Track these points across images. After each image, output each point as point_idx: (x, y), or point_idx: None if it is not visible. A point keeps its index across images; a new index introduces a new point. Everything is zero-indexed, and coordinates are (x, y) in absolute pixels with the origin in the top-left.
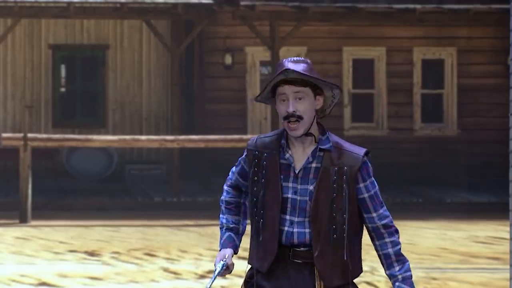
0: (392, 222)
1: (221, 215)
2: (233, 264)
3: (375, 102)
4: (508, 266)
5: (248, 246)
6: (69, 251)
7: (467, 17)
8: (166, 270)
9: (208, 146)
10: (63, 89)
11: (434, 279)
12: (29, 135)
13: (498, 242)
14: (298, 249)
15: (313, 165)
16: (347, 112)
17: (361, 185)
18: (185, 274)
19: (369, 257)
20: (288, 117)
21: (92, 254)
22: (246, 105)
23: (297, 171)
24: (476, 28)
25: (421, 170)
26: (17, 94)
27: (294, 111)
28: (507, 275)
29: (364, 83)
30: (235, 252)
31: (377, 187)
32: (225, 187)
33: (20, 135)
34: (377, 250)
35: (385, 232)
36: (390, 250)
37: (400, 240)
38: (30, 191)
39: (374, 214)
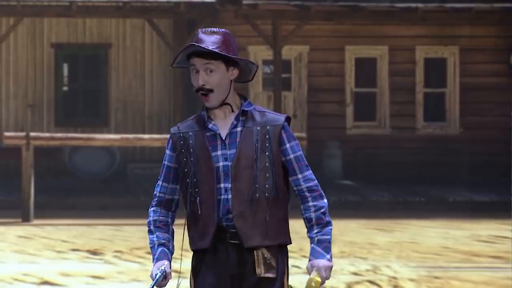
0: (317, 186)
1: (150, 235)
2: (170, 273)
3: (377, 101)
4: (510, 265)
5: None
6: (71, 250)
7: (469, 16)
8: None
9: None
10: (65, 88)
11: (437, 278)
12: (32, 134)
13: (500, 241)
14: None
15: (238, 128)
16: (349, 111)
17: (287, 145)
18: (187, 273)
19: (372, 256)
20: (198, 90)
21: (94, 253)
22: None
23: (224, 138)
24: (478, 27)
25: (423, 169)
26: (19, 93)
27: (203, 85)
28: (510, 274)
29: (366, 82)
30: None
31: (300, 150)
32: (151, 209)
33: (23, 134)
34: (302, 214)
35: (309, 196)
36: (312, 214)
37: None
38: (32, 190)
39: (300, 176)
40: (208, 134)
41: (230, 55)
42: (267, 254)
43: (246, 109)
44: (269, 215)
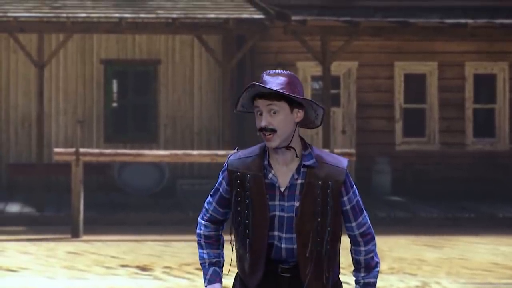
0: (370, 228)
1: (200, 250)
2: None
3: (426, 117)
4: None
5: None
6: (120, 265)
7: None
8: None
9: None
10: (115, 104)
11: None
12: (81, 150)
13: None
14: (287, 265)
15: (298, 181)
16: (399, 127)
17: (345, 198)
18: None
19: (421, 272)
20: (262, 130)
21: (143, 269)
22: None
23: (282, 189)
24: None
25: (472, 185)
26: (69, 109)
27: (266, 125)
28: None
29: (415, 98)
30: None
31: (358, 195)
32: (202, 221)
33: (72, 150)
34: (351, 252)
35: (361, 240)
36: (362, 258)
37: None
38: (82, 206)
39: (354, 224)
40: (266, 181)
41: (293, 96)
42: None
43: (306, 163)
44: (328, 264)
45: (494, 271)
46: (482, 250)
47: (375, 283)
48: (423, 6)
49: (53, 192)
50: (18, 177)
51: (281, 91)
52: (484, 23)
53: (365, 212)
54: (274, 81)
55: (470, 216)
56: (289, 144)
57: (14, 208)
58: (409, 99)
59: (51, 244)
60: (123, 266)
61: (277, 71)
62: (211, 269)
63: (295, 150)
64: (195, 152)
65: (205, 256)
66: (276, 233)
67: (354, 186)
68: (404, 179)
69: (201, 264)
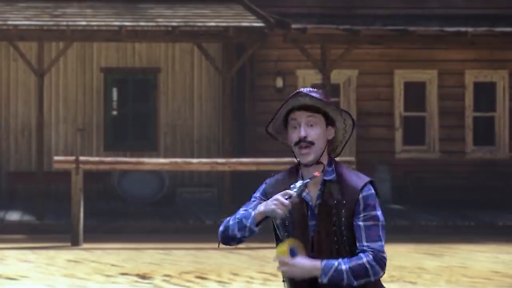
0: (382, 252)
1: (235, 218)
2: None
3: (426, 125)
4: None
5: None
6: (120, 274)
7: None
8: None
9: (260, 169)
10: (114, 112)
11: None
12: (81, 158)
13: None
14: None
15: (318, 201)
16: (399, 135)
17: (357, 217)
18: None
19: (421, 280)
20: (299, 142)
21: (143, 277)
22: None
23: (314, 209)
24: None
25: (473, 193)
26: (69, 117)
27: (305, 136)
28: None
29: (415, 106)
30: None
31: (379, 220)
32: (228, 219)
33: (72, 158)
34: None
35: (368, 250)
36: (357, 258)
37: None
38: (82, 214)
39: (364, 243)
40: (304, 201)
41: (339, 108)
42: None
43: (327, 178)
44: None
45: (494, 279)
46: (482, 258)
47: (341, 272)
48: (423, 14)
49: (53, 200)
50: (18, 185)
51: (324, 101)
52: (484, 31)
53: (382, 240)
54: (312, 94)
55: (470, 224)
56: (319, 159)
57: (14, 216)
58: (409, 107)
59: (51, 252)
60: (123, 274)
61: (311, 88)
62: (247, 212)
63: (324, 165)
64: (195, 160)
65: (243, 211)
66: (311, 254)
67: (377, 212)
68: (404, 187)
69: (241, 219)
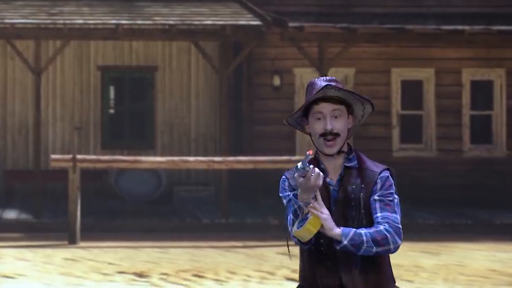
0: (398, 224)
1: (290, 213)
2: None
3: (423, 123)
4: None
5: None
6: (117, 272)
7: None
8: None
9: (257, 167)
10: (111, 111)
11: None
12: (78, 156)
13: None
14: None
15: (337, 187)
16: (396, 133)
17: (375, 193)
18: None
19: (418, 278)
20: (325, 134)
21: (140, 275)
22: None
23: (335, 194)
24: None
25: (470, 192)
26: (66, 115)
27: (332, 129)
28: None
29: (412, 104)
30: None
31: (394, 197)
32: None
33: (69, 156)
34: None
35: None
36: (375, 227)
37: (441, 260)
38: (79, 213)
39: (379, 214)
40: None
41: (363, 96)
42: None
43: (348, 164)
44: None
45: (491, 278)
46: (479, 256)
47: (362, 239)
48: (420, 12)
49: (50, 199)
50: (15, 183)
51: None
52: (481, 29)
53: (398, 214)
54: (333, 84)
55: (467, 223)
56: (341, 149)
57: (11, 214)
58: (406, 105)
59: (48, 251)
60: (120, 272)
61: (329, 77)
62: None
63: (345, 153)
64: (192, 158)
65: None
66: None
67: (393, 190)
68: (401, 186)
69: (289, 201)
